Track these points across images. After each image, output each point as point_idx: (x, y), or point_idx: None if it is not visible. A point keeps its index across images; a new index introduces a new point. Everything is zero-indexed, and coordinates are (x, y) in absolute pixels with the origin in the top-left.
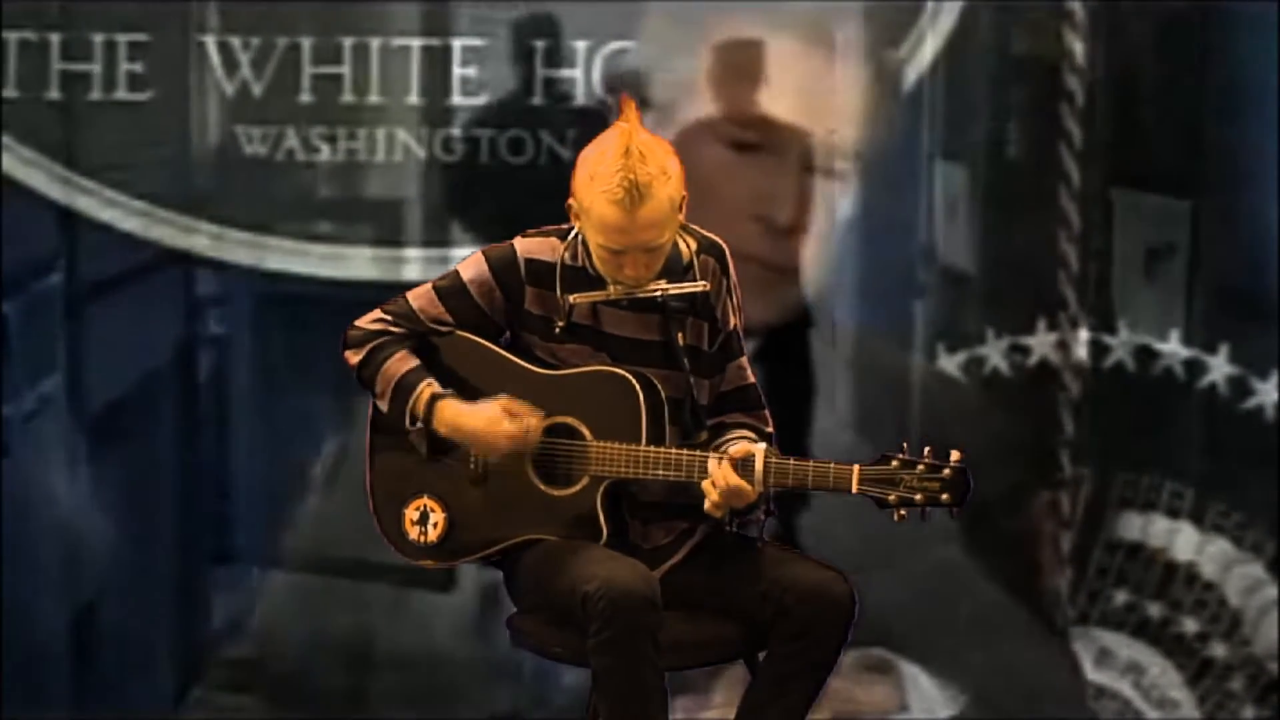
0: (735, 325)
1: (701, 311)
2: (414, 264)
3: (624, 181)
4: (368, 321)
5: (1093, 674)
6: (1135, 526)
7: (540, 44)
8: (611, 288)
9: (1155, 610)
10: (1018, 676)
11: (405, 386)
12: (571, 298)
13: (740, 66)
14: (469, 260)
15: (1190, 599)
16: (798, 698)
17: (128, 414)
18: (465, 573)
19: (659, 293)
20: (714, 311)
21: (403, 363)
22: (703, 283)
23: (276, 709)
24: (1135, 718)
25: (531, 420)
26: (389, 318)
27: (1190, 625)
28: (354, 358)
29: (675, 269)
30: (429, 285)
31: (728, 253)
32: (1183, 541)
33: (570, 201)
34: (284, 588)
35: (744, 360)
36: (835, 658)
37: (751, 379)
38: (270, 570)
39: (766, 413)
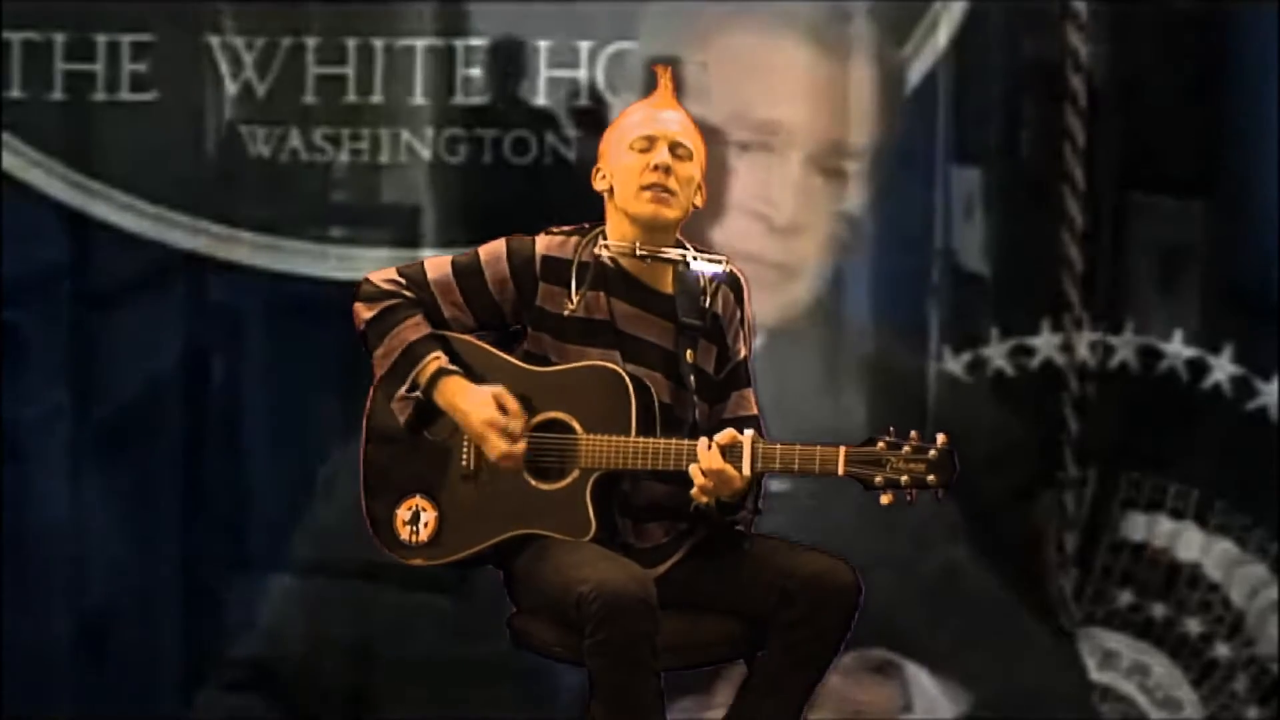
0: (745, 356)
1: (713, 334)
2: None
3: (659, 91)
4: (382, 280)
5: (1097, 674)
6: (1140, 527)
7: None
8: (637, 248)
9: (1159, 611)
10: (1021, 677)
11: (413, 353)
12: (598, 246)
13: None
14: (491, 245)
15: (1194, 600)
16: (794, 692)
17: (135, 416)
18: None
19: (681, 258)
20: (725, 337)
21: (415, 329)
22: (725, 257)
23: (284, 710)
24: (1140, 718)
25: (515, 424)
26: (404, 280)
27: (1194, 626)
28: (366, 311)
29: (692, 290)
30: (448, 259)
31: (744, 282)
32: (1187, 542)
33: (597, 167)
34: (293, 590)
35: (749, 392)
36: (835, 650)
37: (754, 411)
38: (279, 573)
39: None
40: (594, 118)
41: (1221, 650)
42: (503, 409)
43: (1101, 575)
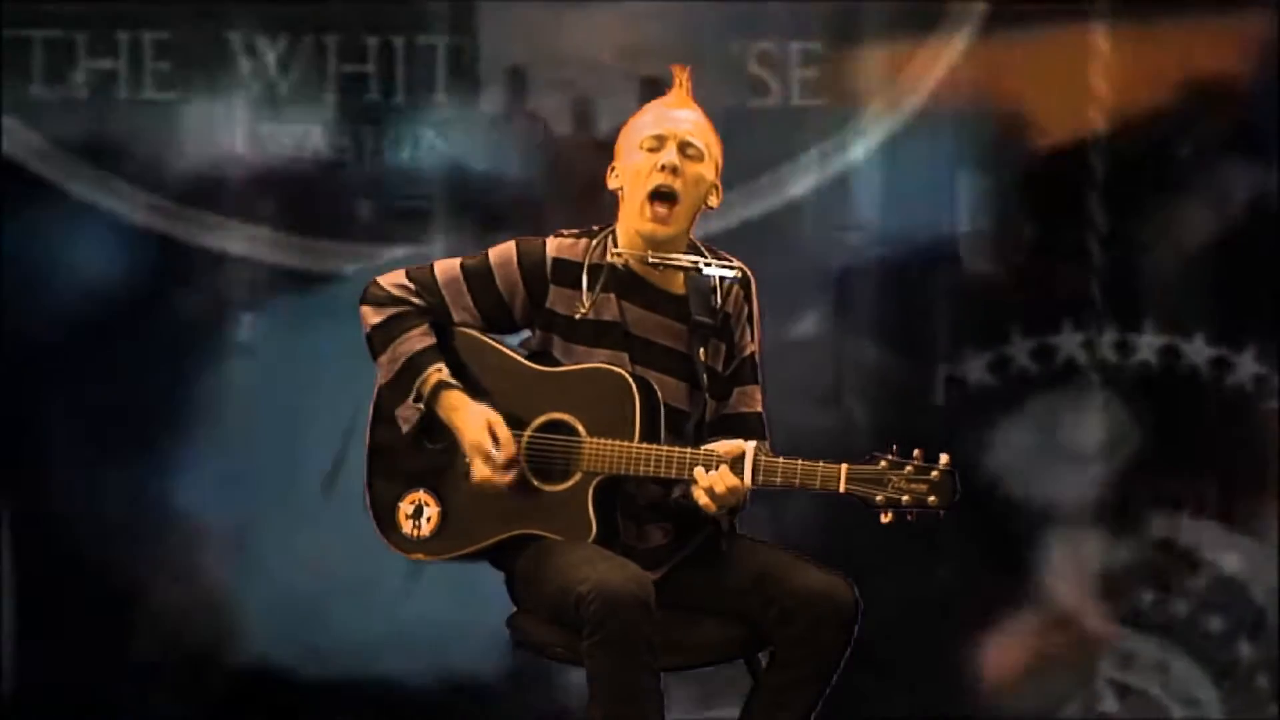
0: (753, 352)
1: (723, 332)
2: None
3: (675, 90)
4: (391, 284)
5: (1118, 673)
6: (1162, 526)
7: None
8: (649, 255)
9: (1182, 608)
10: (1032, 674)
11: (417, 364)
12: (610, 253)
13: None
14: (501, 246)
15: (1217, 598)
16: (801, 707)
17: (141, 414)
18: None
19: (693, 265)
20: (734, 334)
21: (420, 339)
22: (738, 265)
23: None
24: (1161, 716)
25: (501, 454)
26: (412, 285)
27: (1216, 624)
28: (373, 316)
29: (704, 289)
30: (458, 262)
31: (752, 279)
32: (1209, 540)
33: (612, 165)
34: (297, 590)
35: (754, 389)
36: (839, 664)
37: (758, 408)
38: (287, 576)
39: (767, 444)
40: None
41: (1243, 648)
42: (494, 437)
43: (1123, 574)
